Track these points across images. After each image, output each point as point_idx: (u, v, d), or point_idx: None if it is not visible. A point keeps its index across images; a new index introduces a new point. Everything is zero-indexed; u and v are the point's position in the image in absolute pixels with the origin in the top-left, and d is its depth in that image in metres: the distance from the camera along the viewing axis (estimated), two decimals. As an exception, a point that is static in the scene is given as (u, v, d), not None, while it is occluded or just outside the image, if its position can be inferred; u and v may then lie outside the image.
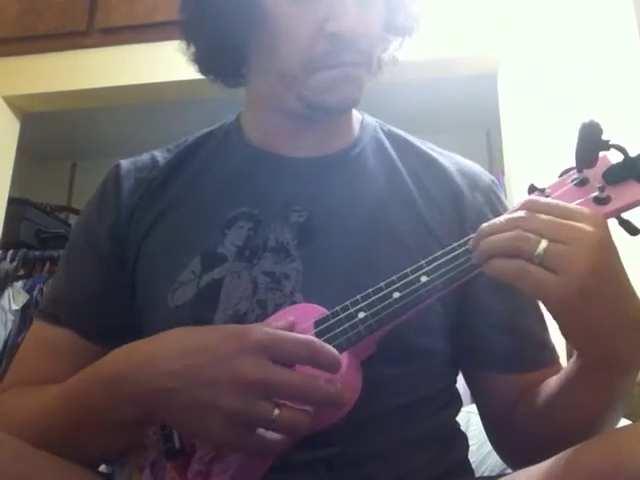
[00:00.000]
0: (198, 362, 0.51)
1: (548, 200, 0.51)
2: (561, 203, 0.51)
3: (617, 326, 0.51)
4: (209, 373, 0.51)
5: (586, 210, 0.50)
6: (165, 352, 0.54)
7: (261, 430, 0.50)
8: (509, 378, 0.70)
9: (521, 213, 0.50)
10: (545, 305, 0.51)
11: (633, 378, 0.57)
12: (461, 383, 0.76)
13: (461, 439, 0.73)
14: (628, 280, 0.52)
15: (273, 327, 0.54)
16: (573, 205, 0.51)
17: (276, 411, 0.49)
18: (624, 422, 0.94)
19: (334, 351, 0.52)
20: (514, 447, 0.71)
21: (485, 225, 0.52)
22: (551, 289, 0.48)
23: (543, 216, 0.49)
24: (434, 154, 0.79)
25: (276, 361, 0.51)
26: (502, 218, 0.51)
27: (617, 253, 0.51)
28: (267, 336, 0.51)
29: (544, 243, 0.48)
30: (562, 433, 0.58)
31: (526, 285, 0.49)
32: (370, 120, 0.82)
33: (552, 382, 0.64)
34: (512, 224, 0.50)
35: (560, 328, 0.53)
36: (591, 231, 0.48)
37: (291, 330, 0.55)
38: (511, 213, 0.52)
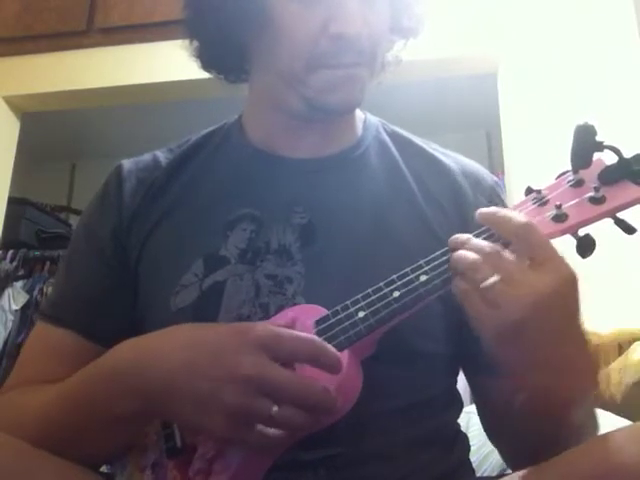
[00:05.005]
0: (199, 355, 0.52)
1: (530, 236, 0.51)
2: (541, 242, 0.51)
3: (550, 369, 0.52)
4: (209, 366, 0.51)
5: (558, 259, 0.51)
6: (167, 345, 0.54)
7: (261, 426, 0.50)
8: (509, 378, 0.70)
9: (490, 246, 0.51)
10: (480, 333, 0.52)
11: (580, 412, 0.57)
12: (461, 383, 0.76)
13: (462, 440, 0.73)
14: (575, 327, 0.53)
15: (277, 324, 0.54)
16: (550, 249, 0.51)
17: (274, 408, 0.49)
18: (624, 422, 0.94)
19: (335, 351, 0.52)
20: (513, 446, 0.71)
21: (455, 237, 0.54)
22: (485, 321, 0.50)
23: (506, 254, 0.50)
24: (437, 154, 0.79)
25: (277, 359, 0.51)
26: (478, 242, 0.52)
27: (570, 304, 0.51)
28: (268, 333, 0.51)
29: (494, 278, 0.49)
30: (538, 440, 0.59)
31: (468, 308, 0.51)
32: (373, 120, 0.81)
33: None
34: (479, 249, 0.51)
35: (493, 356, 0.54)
36: (545, 281, 0.49)
37: (292, 328, 0.55)
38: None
